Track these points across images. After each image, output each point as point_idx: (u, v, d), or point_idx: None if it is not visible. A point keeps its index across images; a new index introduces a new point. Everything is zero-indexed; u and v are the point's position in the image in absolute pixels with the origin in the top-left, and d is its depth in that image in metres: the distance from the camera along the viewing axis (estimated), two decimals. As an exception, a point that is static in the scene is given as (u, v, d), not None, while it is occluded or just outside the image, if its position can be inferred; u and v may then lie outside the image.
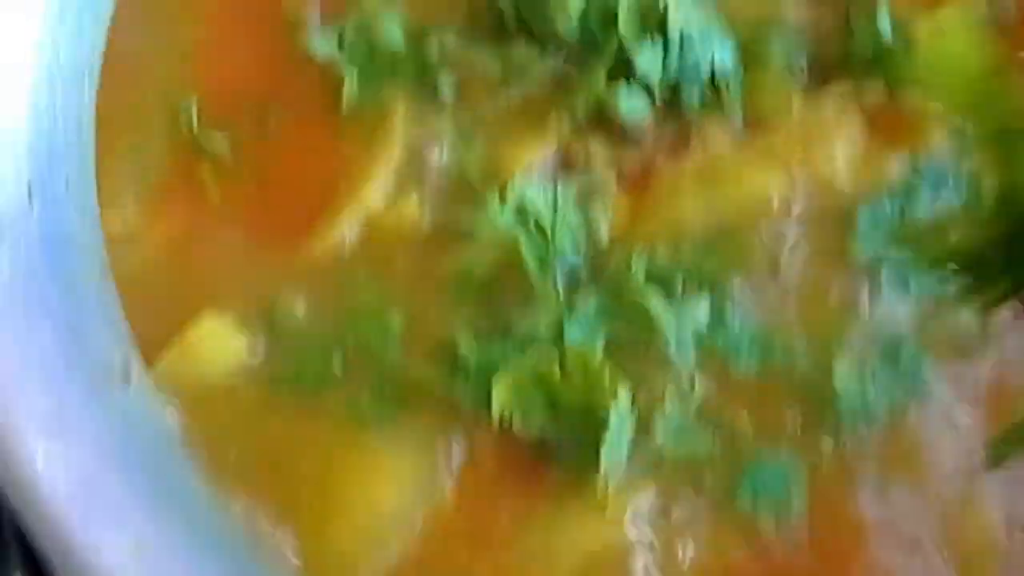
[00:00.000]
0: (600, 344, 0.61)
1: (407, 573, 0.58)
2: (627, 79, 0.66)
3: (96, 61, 0.64)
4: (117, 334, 0.58)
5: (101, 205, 0.62)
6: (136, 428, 0.55)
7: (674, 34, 0.66)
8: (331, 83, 0.67)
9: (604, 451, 0.59)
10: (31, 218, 0.56)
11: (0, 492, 0.49)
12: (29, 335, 0.53)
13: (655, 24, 0.66)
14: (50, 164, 0.58)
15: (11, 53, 0.58)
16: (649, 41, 0.66)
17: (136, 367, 0.58)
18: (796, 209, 0.65)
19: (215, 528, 0.54)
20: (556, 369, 0.61)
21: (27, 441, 0.51)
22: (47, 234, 0.56)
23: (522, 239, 0.63)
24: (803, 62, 0.68)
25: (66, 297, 0.55)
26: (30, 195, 0.56)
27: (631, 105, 0.67)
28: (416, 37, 0.68)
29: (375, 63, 0.68)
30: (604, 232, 0.64)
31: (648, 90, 0.66)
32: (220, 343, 0.61)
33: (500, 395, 0.60)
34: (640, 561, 0.59)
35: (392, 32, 0.68)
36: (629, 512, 0.59)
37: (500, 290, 0.63)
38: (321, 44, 0.68)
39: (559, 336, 0.62)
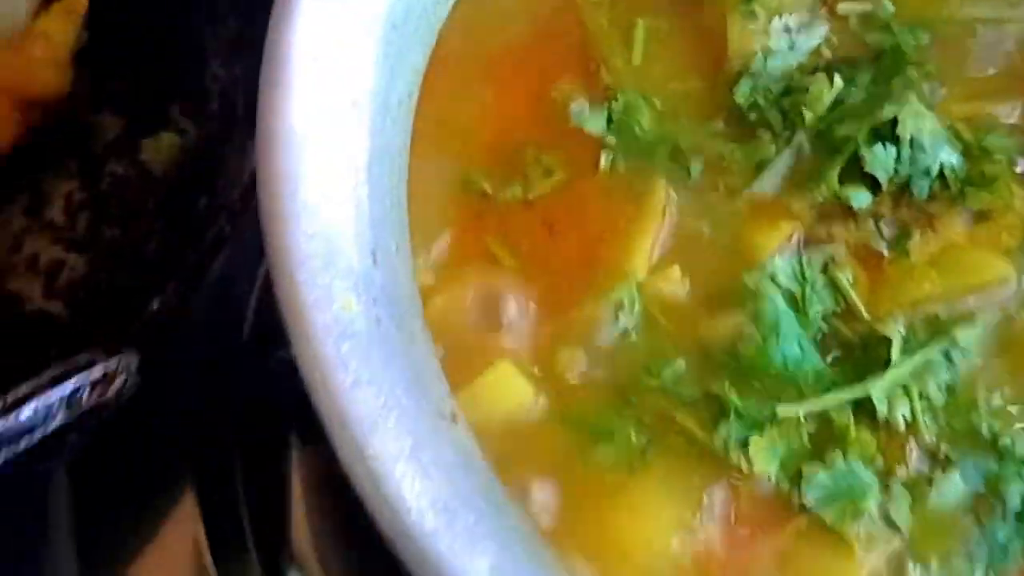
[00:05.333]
0: (850, 407, 0.65)
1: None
2: (858, 176, 0.70)
3: (407, 140, 0.67)
4: (442, 379, 0.60)
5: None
6: (469, 461, 0.58)
7: (905, 140, 0.70)
8: (597, 154, 0.70)
9: (851, 508, 0.63)
10: (376, 278, 0.58)
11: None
12: (385, 377, 0.55)
13: (888, 131, 0.70)
14: (386, 232, 0.61)
15: (354, 136, 0.61)
16: (882, 146, 0.69)
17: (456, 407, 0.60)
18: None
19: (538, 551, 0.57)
20: (807, 431, 0.65)
21: (394, 477, 0.53)
22: (388, 292, 0.59)
23: (777, 306, 0.67)
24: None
25: (408, 347, 0.58)
26: (375, 260, 0.59)
27: (862, 199, 0.70)
28: (669, 125, 0.71)
29: (637, 142, 0.71)
30: (853, 295, 0.67)
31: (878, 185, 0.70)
32: (506, 389, 0.64)
33: (758, 450, 0.64)
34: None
35: (645, 118, 0.71)
36: (877, 561, 0.63)
37: (761, 352, 0.66)
38: (591, 122, 0.71)
39: (814, 394, 0.65)
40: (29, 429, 0.55)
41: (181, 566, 0.79)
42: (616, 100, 0.71)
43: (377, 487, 0.52)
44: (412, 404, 0.55)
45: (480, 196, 0.69)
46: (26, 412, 0.55)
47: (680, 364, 0.65)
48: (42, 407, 0.55)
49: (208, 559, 0.77)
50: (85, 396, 0.56)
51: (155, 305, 0.61)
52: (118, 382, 0.56)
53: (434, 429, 0.56)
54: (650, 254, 0.68)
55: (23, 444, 0.54)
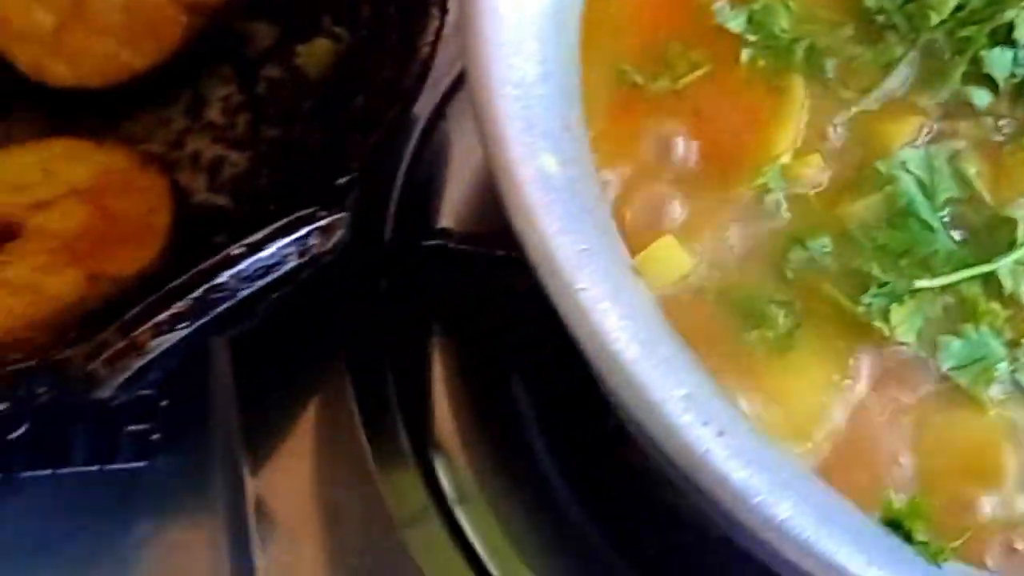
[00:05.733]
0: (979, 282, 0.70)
1: (835, 456, 0.67)
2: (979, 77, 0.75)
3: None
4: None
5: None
6: (655, 308, 0.63)
7: (1021, 43, 0.75)
8: (739, 50, 0.75)
9: (983, 374, 0.68)
10: (565, 143, 0.64)
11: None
12: (582, 229, 0.60)
13: (1005, 35, 0.75)
14: (569, 106, 0.66)
15: (542, 16, 0.66)
16: (999, 49, 0.75)
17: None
18: None
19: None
20: (940, 300, 0.70)
21: (598, 310, 0.58)
22: (575, 158, 0.64)
23: (909, 189, 0.72)
24: None
25: (595, 209, 0.63)
26: (564, 127, 0.64)
27: (982, 97, 0.75)
28: (804, 26, 0.77)
29: (775, 41, 0.76)
30: (977, 184, 0.72)
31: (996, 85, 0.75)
32: (669, 263, 0.69)
33: (899, 319, 0.69)
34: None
35: (782, 19, 0.76)
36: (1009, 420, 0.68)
37: (897, 232, 0.71)
38: (733, 21, 0.76)
39: (946, 271, 0.70)
40: (268, 269, 0.60)
41: (336, 449, 0.84)
42: (756, 1, 0.76)
43: (585, 319, 0.57)
44: (607, 255, 0.60)
45: (632, 87, 0.74)
46: (267, 252, 0.60)
47: (826, 240, 0.70)
48: (280, 248, 0.60)
49: (363, 443, 0.82)
50: (314, 242, 0.60)
51: (343, 180, 0.65)
52: (338, 234, 0.61)
53: (627, 277, 0.60)
54: (792, 141, 0.73)
55: (261, 283, 0.59)
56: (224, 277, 0.59)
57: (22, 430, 0.75)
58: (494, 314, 0.86)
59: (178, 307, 0.59)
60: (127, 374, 0.59)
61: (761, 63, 0.75)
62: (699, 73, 0.74)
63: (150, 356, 0.58)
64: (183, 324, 0.59)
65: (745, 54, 0.75)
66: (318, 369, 0.84)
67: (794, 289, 0.69)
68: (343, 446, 0.83)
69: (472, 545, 0.81)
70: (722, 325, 0.68)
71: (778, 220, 0.71)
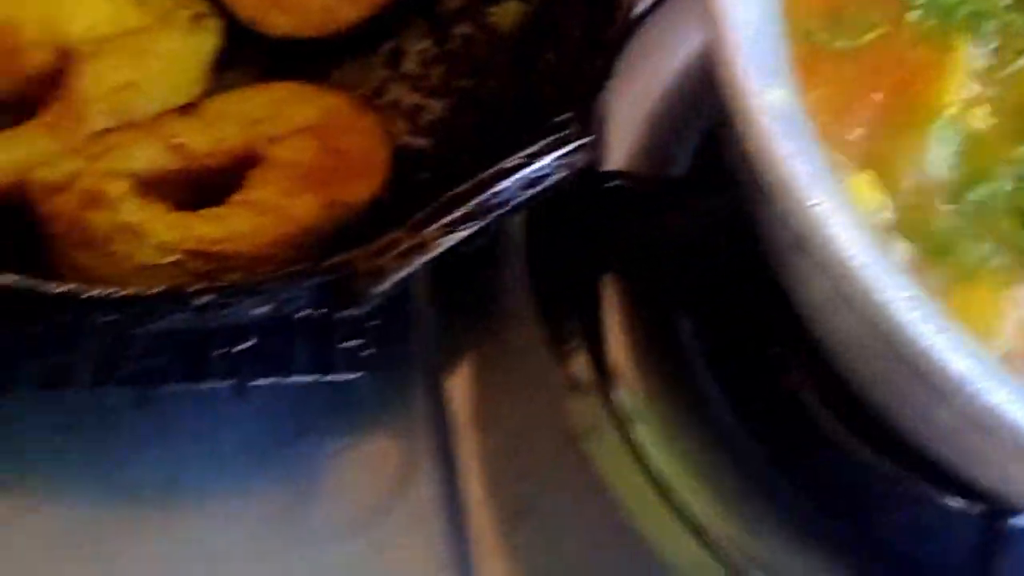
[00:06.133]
0: None
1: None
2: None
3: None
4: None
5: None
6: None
7: None
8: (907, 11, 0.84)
9: None
10: (780, 76, 0.71)
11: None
12: (808, 152, 0.68)
13: None
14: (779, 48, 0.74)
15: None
16: None
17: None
18: None
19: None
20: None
21: (831, 227, 0.66)
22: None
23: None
24: None
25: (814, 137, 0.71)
26: (777, 64, 0.72)
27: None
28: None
29: (940, 4, 0.84)
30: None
31: None
32: (863, 195, 0.76)
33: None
34: None
35: (949, -15, 0.85)
36: None
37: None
38: (899, -17, 0.84)
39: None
40: (537, 180, 0.67)
41: (523, 372, 0.91)
42: (923, -32, 0.84)
43: (820, 230, 0.65)
44: (828, 178, 0.68)
45: (816, 44, 0.81)
46: (541, 163, 0.67)
47: (995, 181, 0.78)
48: (552, 161, 0.67)
49: (550, 366, 0.89)
50: (576, 158, 0.68)
51: (562, 118, 0.73)
52: (594, 153, 0.69)
53: (846, 197, 0.68)
54: (959, 94, 0.81)
55: (532, 192, 0.67)
56: (505, 184, 0.67)
57: (251, 342, 0.82)
58: (663, 255, 0.94)
59: (463, 210, 0.66)
60: (409, 271, 0.66)
61: (929, 24, 0.83)
62: (875, 33, 0.82)
63: (433, 254, 0.65)
64: (465, 226, 0.66)
65: (914, 15, 0.83)
66: (508, 298, 0.92)
67: (972, 224, 0.77)
68: (530, 368, 0.91)
69: (646, 458, 0.89)
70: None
71: (951, 163, 0.79)
